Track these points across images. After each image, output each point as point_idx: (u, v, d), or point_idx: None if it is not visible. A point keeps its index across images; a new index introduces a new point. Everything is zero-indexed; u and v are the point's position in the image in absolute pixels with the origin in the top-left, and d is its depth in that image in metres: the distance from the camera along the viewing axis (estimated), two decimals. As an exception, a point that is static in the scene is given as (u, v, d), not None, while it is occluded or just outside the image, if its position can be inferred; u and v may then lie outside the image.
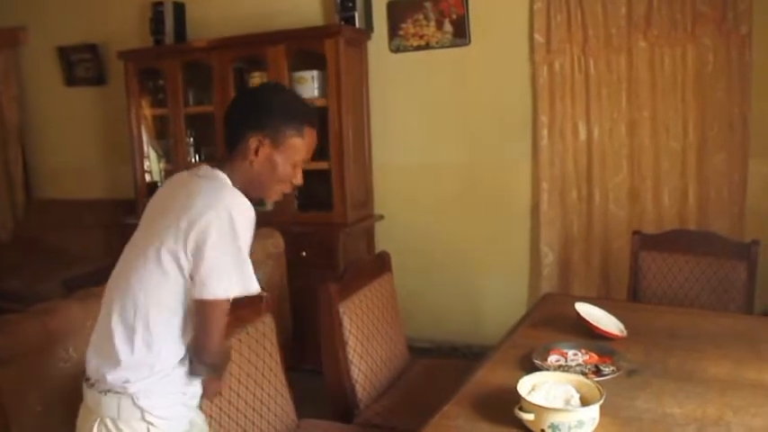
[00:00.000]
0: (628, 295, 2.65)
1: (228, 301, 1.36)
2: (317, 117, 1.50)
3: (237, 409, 1.77)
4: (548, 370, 1.66)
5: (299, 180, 1.48)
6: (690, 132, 3.16)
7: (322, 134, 3.84)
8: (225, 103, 3.73)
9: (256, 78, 3.67)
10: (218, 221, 1.31)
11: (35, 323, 1.97)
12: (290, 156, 1.44)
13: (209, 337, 1.37)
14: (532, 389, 1.47)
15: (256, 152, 1.42)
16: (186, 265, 1.33)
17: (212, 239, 1.30)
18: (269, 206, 3.39)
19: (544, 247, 3.46)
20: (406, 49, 3.69)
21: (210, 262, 1.31)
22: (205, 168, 1.45)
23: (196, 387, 1.47)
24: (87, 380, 1.42)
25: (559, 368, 1.70)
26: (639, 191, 3.28)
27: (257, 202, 1.43)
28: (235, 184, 1.41)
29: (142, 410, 1.35)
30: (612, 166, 3.30)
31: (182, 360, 1.41)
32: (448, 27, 3.57)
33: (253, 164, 1.43)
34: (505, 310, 3.15)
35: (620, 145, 3.28)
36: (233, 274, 1.33)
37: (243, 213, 1.35)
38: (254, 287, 1.36)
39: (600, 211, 3.35)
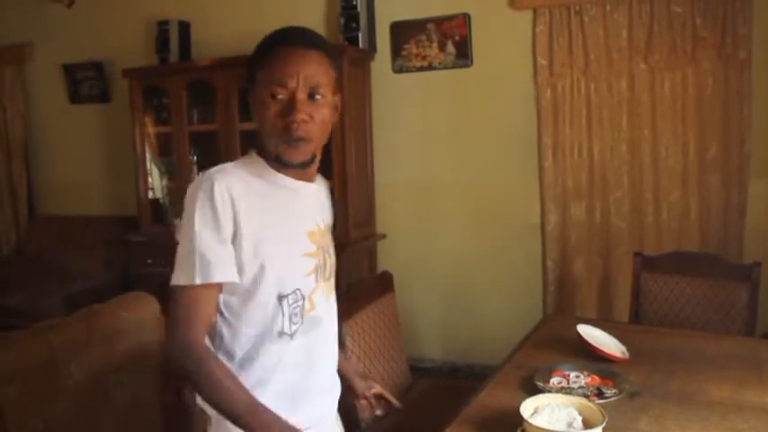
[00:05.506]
0: (630, 317, 2.65)
1: (184, 289, 1.18)
2: (292, 33, 1.31)
3: None
4: (550, 392, 1.66)
5: (275, 107, 1.22)
6: (690, 153, 3.19)
7: (325, 153, 3.93)
8: (228, 121, 3.80)
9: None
10: (183, 207, 1.22)
11: (38, 340, 1.97)
12: (263, 86, 1.24)
13: (169, 326, 1.23)
14: (535, 411, 1.47)
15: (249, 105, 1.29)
16: None
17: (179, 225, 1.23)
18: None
19: (550, 262, 3.47)
20: (408, 70, 3.72)
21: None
22: None
23: None
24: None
25: (562, 390, 1.70)
26: (641, 209, 3.30)
27: (287, 162, 1.25)
28: (261, 151, 1.30)
29: None
30: (614, 184, 3.33)
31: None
32: (451, 48, 3.61)
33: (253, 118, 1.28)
34: (507, 329, 3.13)
35: (621, 162, 3.31)
36: (182, 261, 1.19)
37: (193, 193, 1.19)
38: (197, 278, 1.16)
39: (602, 229, 3.37)
